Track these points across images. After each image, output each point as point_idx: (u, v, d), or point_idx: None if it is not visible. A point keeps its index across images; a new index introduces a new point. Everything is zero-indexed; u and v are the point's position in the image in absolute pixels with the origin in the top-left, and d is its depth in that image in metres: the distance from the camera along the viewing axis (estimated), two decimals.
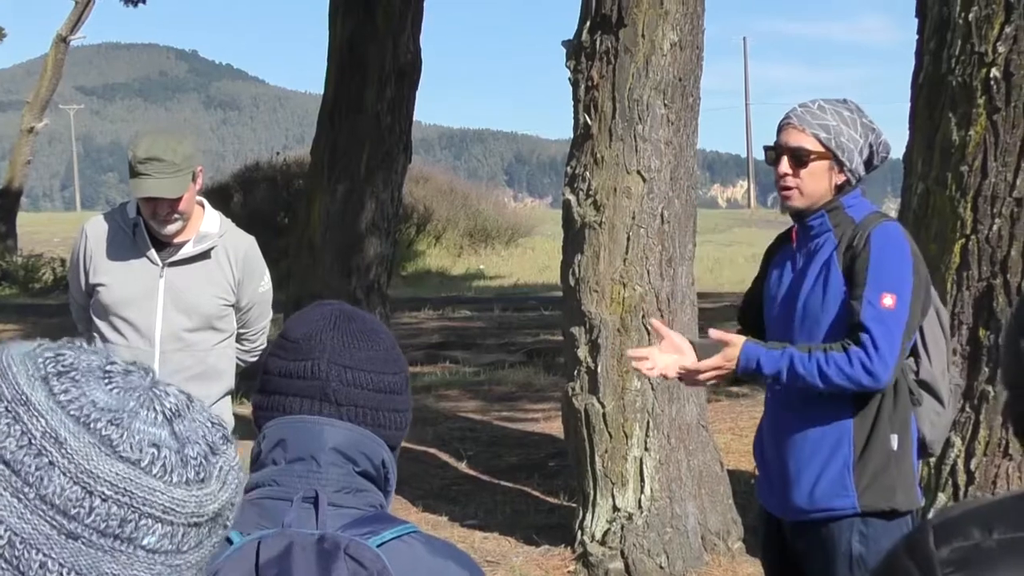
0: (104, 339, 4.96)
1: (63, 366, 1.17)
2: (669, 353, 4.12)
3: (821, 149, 3.97)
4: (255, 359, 5.27)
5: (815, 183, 3.99)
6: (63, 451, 1.12)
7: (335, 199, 12.33)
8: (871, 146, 4.03)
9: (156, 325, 4.91)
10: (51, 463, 1.12)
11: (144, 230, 4.92)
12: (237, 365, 5.21)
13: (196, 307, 4.95)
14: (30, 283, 28.27)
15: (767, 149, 4.13)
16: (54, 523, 1.12)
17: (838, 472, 3.95)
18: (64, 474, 1.12)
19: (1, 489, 1.11)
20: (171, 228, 4.87)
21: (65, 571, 1.12)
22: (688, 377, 4.12)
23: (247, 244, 5.10)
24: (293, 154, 34.68)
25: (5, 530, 1.11)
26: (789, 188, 4.02)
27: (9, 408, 1.14)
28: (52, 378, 1.16)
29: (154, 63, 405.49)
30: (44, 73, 25.42)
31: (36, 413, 1.13)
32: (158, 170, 4.71)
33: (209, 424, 1.23)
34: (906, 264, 3.90)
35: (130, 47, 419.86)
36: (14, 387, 1.15)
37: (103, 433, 1.14)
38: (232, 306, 5.06)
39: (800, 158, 3.98)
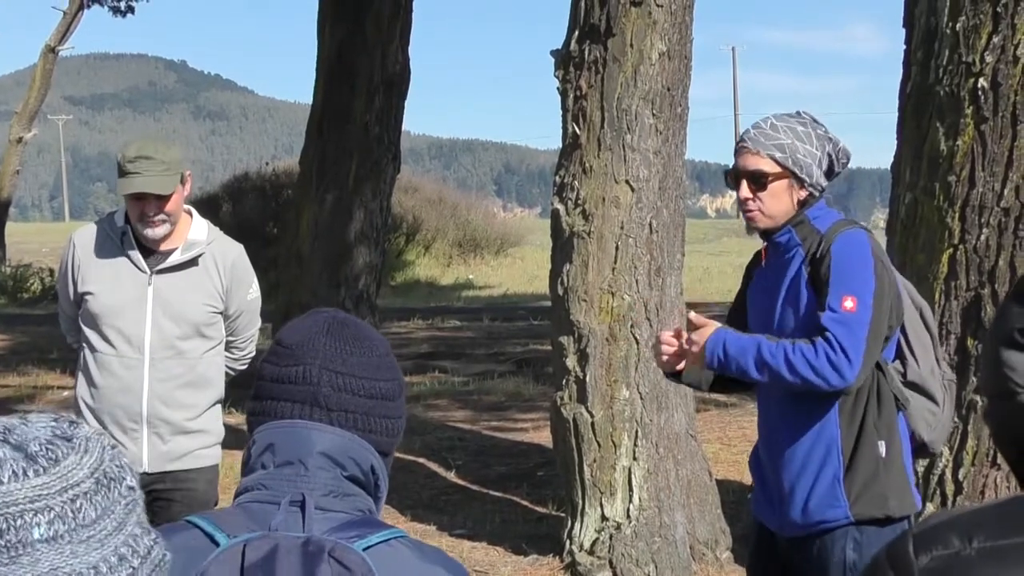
0: (93, 349, 4.97)
1: None
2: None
3: (778, 169, 3.99)
4: (244, 367, 5.29)
5: (776, 203, 4.02)
6: None
7: (324, 209, 12.33)
8: (830, 156, 4.05)
9: (145, 333, 4.92)
10: None
11: (132, 238, 4.93)
12: (226, 374, 5.22)
13: (185, 314, 4.96)
14: (19, 293, 28.24)
15: (725, 173, 4.17)
16: None
17: (829, 484, 3.96)
18: None
19: None
20: (159, 231, 4.88)
21: None
22: (666, 342, 4.12)
23: (235, 252, 5.12)
24: (282, 164, 34.70)
25: None
26: (751, 211, 4.06)
27: None
28: None
29: (143, 73, 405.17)
30: (33, 84, 25.39)
31: None
32: (147, 168, 4.75)
33: (51, 421, 1.27)
34: (866, 267, 3.90)
35: (119, 57, 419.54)
36: None
37: None
38: (220, 314, 5.07)
39: (759, 180, 4.02)
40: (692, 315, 4.18)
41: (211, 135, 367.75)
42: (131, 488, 1.29)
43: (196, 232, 5.02)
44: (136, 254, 4.93)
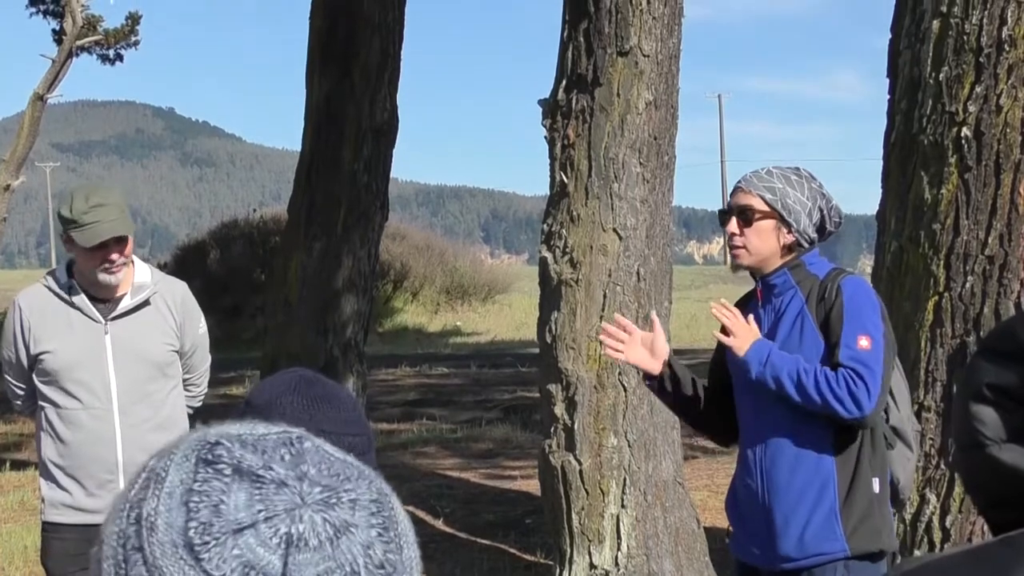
0: (57, 405, 4.93)
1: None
2: (641, 347, 4.41)
3: (766, 209, 4.16)
4: (200, 404, 5.33)
5: (761, 241, 4.18)
6: None
7: (312, 256, 12.33)
8: (821, 210, 4.20)
9: (111, 381, 4.91)
10: None
11: (80, 290, 4.94)
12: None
13: (147, 356, 4.97)
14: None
15: (720, 213, 4.34)
16: None
17: (825, 517, 4.05)
18: None
19: None
20: (120, 276, 4.90)
21: None
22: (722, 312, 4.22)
23: (182, 289, 5.19)
24: (270, 211, 34.74)
25: None
26: (737, 247, 4.23)
27: None
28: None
29: (131, 120, 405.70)
30: (21, 131, 25.36)
31: None
32: (105, 215, 4.77)
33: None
34: (876, 311, 4.06)
35: (107, 104, 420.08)
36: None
37: None
38: (177, 351, 5.09)
39: (746, 217, 4.18)
40: (715, 306, 4.29)
41: (199, 182, 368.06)
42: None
43: (140, 276, 5.05)
44: (87, 304, 4.93)
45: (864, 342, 3.97)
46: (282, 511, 1.07)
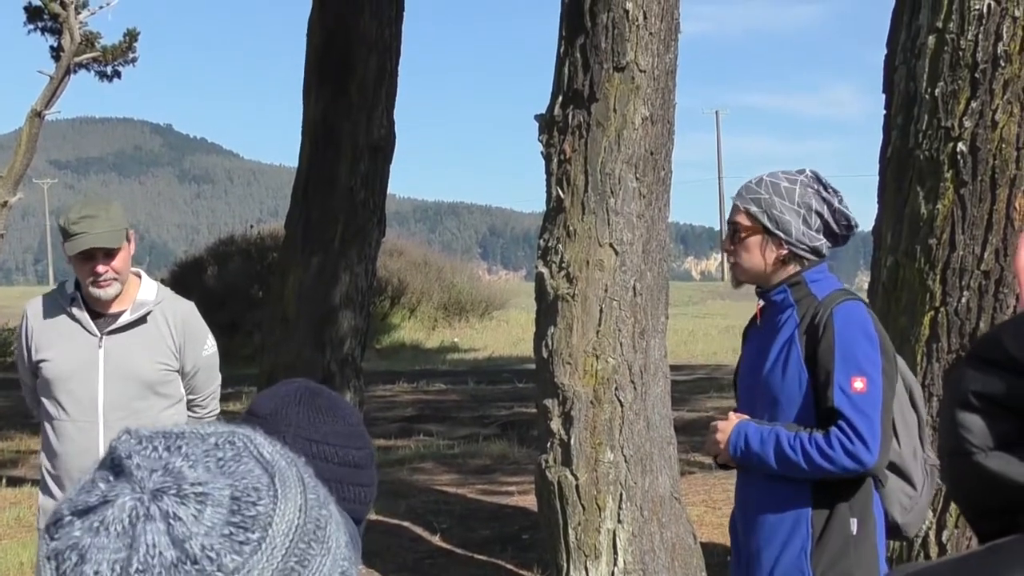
0: (50, 416, 4.97)
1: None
2: None
3: (750, 224, 4.02)
4: None
5: (749, 258, 4.05)
6: None
7: (309, 272, 12.33)
8: (822, 216, 3.97)
9: (98, 395, 4.92)
10: None
11: (82, 302, 4.96)
12: None
13: (136, 374, 4.96)
14: (2, 357, 28.11)
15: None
16: None
17: (795, 555, 3.93)
18: None
19: None
20: (110, 291, 4.91)
21: None
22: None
23: (185, 309, 5.15)
24: (267, 227, 34.72)
25: None
26: (732, 263, 4.15)
27: None
28: None
29: (129, 137, 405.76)
30: (18, 148, 25.34)
31: None
32: (92, 226, 4.80)
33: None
34: (872, 343, 3.84)
35: (104, 121, 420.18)
36: None
37: None
38: (176, 372, 5.07)
39: (735, 233, 4.08)
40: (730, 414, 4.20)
41: (196, 198, 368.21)
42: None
43: (145, 293, 5.05)
44: (86, 317, 4.96)
45: (859, 383, 3.76)
46: (113, 497, 1.11)
